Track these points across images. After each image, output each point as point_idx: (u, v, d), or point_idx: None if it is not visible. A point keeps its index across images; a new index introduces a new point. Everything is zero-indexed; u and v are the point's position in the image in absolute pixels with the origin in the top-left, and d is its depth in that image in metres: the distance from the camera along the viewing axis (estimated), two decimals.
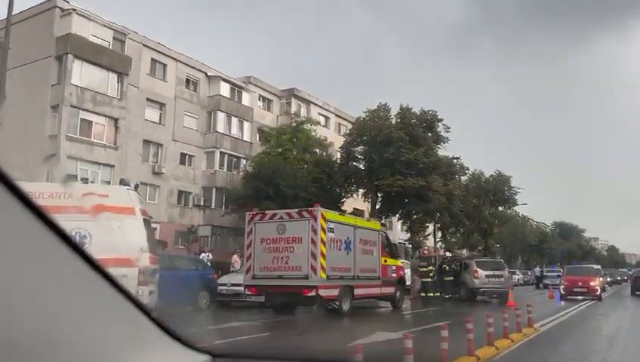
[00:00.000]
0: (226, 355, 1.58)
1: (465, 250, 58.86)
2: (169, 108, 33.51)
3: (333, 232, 12.31)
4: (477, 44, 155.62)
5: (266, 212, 13.43)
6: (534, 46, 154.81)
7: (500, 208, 49.38)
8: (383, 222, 33.96)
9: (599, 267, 30.33)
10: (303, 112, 41.30)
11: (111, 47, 29.57)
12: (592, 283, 22.47)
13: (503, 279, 20.43)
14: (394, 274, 15.89)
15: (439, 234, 43.72)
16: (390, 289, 15.31)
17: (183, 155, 34.32)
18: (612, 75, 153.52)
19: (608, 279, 38.16)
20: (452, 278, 20.37)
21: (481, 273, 20.28)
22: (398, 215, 36.40)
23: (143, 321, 1.20)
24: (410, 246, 42.46)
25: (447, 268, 20.49)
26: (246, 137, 37.64)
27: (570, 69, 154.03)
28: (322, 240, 11.84)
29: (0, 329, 0.83)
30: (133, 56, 30.99)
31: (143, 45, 32.01)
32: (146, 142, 32.11)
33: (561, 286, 23.56)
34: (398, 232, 47.46)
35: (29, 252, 0.89)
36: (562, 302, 20.28)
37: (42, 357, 0.91)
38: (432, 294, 18.84)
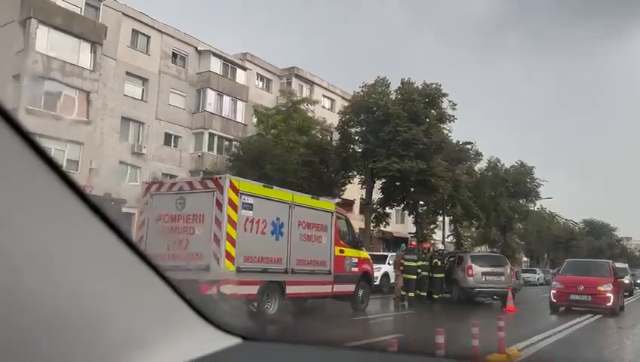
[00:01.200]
0: (258, 339, 1.47)
1: (484, 247, 55.17)
2: (152, 83, 30.86)
3: (251, 209, 9.17)
4: (507, 38, 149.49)
5: (165, 181, 10.54)
6: (568, 39, 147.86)
7: (521, 201, 45.43)
8: (381, 210, 31.08)
9: (625, 265, 26.51)
10: (306, 93, 38.26)
11: (83, 14, 26.97)
12: (600, 288, 14.54)
13: (503, 278, 16.88)
14: (354, 269, 12.56)
15: (450, 228, 40.17)
16: (348, 287, 12.12)
17: (167, 135, 31.65)
18: None
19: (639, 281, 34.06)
20: (442, 275, 17.00)
21: (477, 270, 16.80)
22: (402, 205, 33.02)
23: (176, 301, 1.18)
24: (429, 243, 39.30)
25: (440, 263, 17.09)
26: (239, 118, 34.76)
27: (605, 62, 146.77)
28: (230, 219, 8.72)
29: (34, 303, 0.83)
30: (111, 25, 28.42)
31: (123, 14, 29.40)
32: (125, 120, 29.51)
33: (552, 292, 15.67)
34: (410, 226, 44.01)
35: (62, 226, 0.88)
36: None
37: (75, 333, 0.92)
38: (412, 294, 15.58)
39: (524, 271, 43.28)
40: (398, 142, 23.73)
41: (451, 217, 39.00)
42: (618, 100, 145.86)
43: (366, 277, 13.06)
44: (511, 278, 17.01)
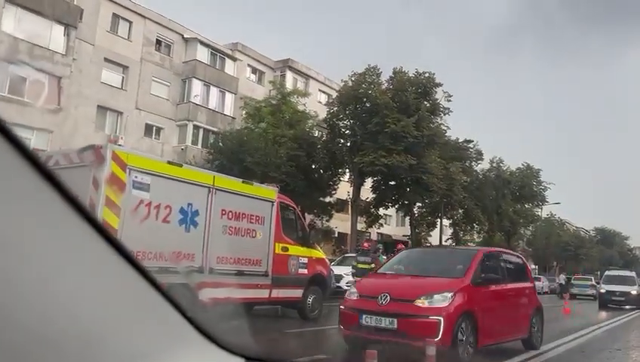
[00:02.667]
0: (260, 358, 1.46)
1: None
2: (133, 71, 29.20)
3: (147, 191, 7.24)
4: (522, 44, 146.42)
5: (40, 152, 8.73)
6: (582, 47, 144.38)
7: (527, 205, 43.18)
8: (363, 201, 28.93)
9: (633, 274, 24.43)
10: (301, 87, 36.40)
11: None
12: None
13: None
14: (303, 271, 10.51)
15: (450, 231, 38.10)
16: (292, 293, 10.08)
17: (148, 126, 29.97)
18: None
19: None
20: None
21: None
22: (397, 206, 31.06)
23: (177, 318, 1.15)
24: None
25: None
26: (228, 111, 32.99)
27: (619, 71, 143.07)
28: (110, 202, 6.67)
29: (29, 321, 0.82)
30: (88, 8, 26.82)
31: None
32: (102, 108, 27.88)
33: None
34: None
35: (53, 236, 0.86)
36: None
37: (72, 352, 0.90)
38: None
39: None
40: (386, 134, 21.79)
41: (451, 220, 37.01)
42: (633, 109, 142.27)
43: (319, 280, 10.97)
44: None
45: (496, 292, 7.71)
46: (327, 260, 11.94)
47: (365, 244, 16.63)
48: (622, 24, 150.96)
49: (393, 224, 49.87)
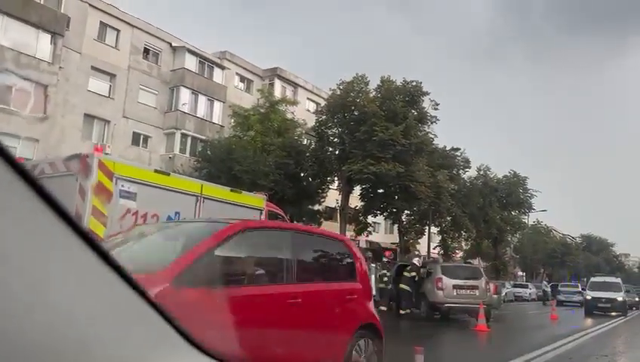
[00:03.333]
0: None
1: (477, 260, 53.14)
2: (120, 79, 29.10)
3: (133, 199, 7.12)
4: (507, 52, 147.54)
5: (25, 161, 8.63)
6: (569, 55, 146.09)
7: (514, 212, 43.51)
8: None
9: (618, 280, 24.65)
10: (289, 95, 36.49)
11: (42, 2, 25.26)
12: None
13: (477, 292, 14.93)
14: None
15: (438, 239, 38.25)
16: None
17: (136, 135, 29.83)
18: None
19: (637, 298, 31.92)
20: (408, 288, 15.04)
21: (447, 282, 14.74)
22: (386, 214, 31.12)
23: (163, 326, 1.15)
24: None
25: (409, 274, 15.14)
26: (216, 119, 32.96)
27: (605, 78, 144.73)
28: (97, 212, 6.57)
29: (19, 330, 0.82)
30: (76, 16, 26.73)
31: (90, 5, 27.69)
32: (89, 117, 27.72)
33: None
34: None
35: (43, 247, 0.87)
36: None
37: (61, 360, 0.90)
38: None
39: (516, 286, 41.30)
40: (374, 142, 21.88)
41: (438, 228, 37.16)
42: (619, 116, 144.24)
43: None
44: (486, 293, 14.99)
45: (246, 299, 4.21)
46: None
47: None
48: (605, 34, 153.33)
49: (382, 232, 49.99)
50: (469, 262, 21.95)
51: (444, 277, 14.79)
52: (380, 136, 21.58)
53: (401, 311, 14.85)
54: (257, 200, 10.16)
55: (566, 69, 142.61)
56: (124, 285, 1.03)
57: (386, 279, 14.54)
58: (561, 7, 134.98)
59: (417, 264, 15.66)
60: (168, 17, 70.79)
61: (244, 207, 9.42)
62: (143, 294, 1.08)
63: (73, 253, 0.92)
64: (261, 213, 9.88)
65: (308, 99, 39.19)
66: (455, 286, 14.72)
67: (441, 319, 15.26)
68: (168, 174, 8.64)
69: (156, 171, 8.48)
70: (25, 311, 0.82)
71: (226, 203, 9.06)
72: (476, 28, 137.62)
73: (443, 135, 65.21)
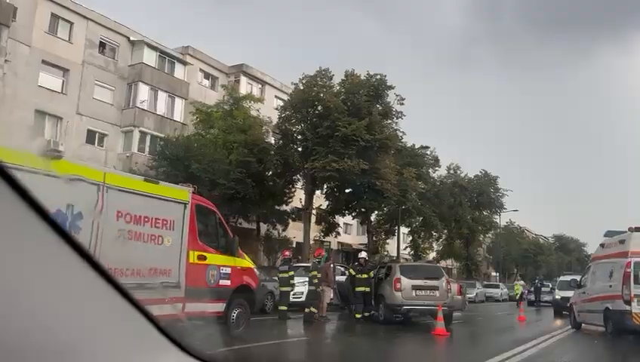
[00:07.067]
0: None
1: (451, 260, 52.69)
2: (74, 75, 27.66)
3: None
4: (481, 58, 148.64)
5: None
6: (539, 57, 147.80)
7: (485, 212, 43.13)
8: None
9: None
10: (256, 93, 35.39)
11: None
12: None
13: (438, 292, 14.05)
14: (225, 282, 9.36)
15: (409, 239, 37.57)
16: (213, 306, 8.83)
17: (91, 133, 28.41)
18: (612, 86, 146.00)
19: None
20: (366, 289, 14.11)
21: (406, 283, 13.67)
22: (354, 214, 30.26)
23: (148, 328, 1.16)
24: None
25: (366, 275, 14.20)
26: (177, 117, 31.69)
27: (572, 79, 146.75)
28: None
29: (6, 335, 0.83)
30: (24, 7, 25.24)
31: None
32: (40, 113, 26.23)
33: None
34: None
35: (32, 254, 0.88)
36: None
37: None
38: (284, 308, 13.29)
39: (487, 286, 40.80)
40: (337, 138, 20.94)
41: (409, 228, 36.48)
42: (587, 117, 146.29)
43: (245, 292, 9.93)
44: (447, 293, 14.11)
45: None
46: (255, 270, 10.82)
47: (286, 253, 15.88)
48: (578, 34, 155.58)
49: (354, 233, 49.17)
50: (431, 262, 21.07)
51: (402, 278, 13.82)
52: (342, 132, 20.67)
53: (357, 315, 13.90)
54: (180, 192, 9.00)
55: (537, 69, 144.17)
56: (108, 287, 1.03)
57: (316, 281, 13.66)
58: (531, 8, 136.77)
59: (366, 257, 14.75)
60: (127, 10, 68.90)
61: (162, 199, 8.30)
62: (126, 295, 1.07)
63: (54, 254, 0.91)
64: (185, 208, 8.75)
65: (276, 97, 38.08)
66: (414, 287, 13.77)
67: (403, 322, 14.33)
68: (60, 159, 7.48)
69: (46, 156, 7.38)
70: (5, 314, 0.81)
71: (139, 194, 7.92)
72: (447, 29, 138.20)
73: (413, 135, 64.84)
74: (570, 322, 15.81)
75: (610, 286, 12.28)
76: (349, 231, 51.07)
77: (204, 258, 8.95)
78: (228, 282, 9.44)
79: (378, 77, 22.95)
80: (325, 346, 10.63)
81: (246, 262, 10.28)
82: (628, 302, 11.26)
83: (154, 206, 8.01)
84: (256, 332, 9.54)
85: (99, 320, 1.01)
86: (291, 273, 14.75)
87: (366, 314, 14.13)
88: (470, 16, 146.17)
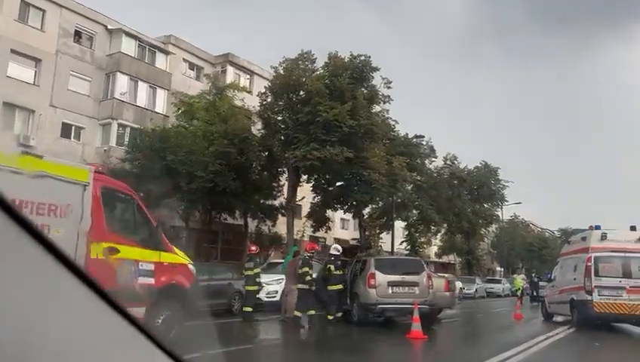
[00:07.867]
0: None
1: (453, 256, 51.09)
2: (47, 65, 26.30)
3: None
4: (483, 50, 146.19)
5: None
6: (543, 52, 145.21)
7: (486, 205, 41.47)
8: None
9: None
10: (244, 83, 33.91)
11: None
12: None
13: (417, 289, 12.51)
14: (147, 280, 7.84)
15: (405, 233, 36.01)
16: (129, 311, 7.47)
17: (66, 126, 27.05)
18: (621, 81, 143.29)
19: None
20: (339, 287, 12.61)
21: (381, 279, 12.13)
22: (345, 207, 28.71)
23: (133, 333, 1.13)
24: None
25: (340, 271, 12.68)
26: (159, 108, 30.28)
27: (579, 74, 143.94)
28: None
29: None
30: None
31: None
32: (10, 106, 24.91)
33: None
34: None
35: (24, 270, 0.87)
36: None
37: None
38: (249, 309, 11.86)
39: (488, 281, 39.16)
40: (318, 124, 19.41)
41: (406, 222, 34.95)
42: (593, 111, 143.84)
43: (175, 292, 8.35)
44: (428, 290, 12.60)
45: None
46: (190, 267, 9.26)
47: (252, 248, 14.37)
48: (583, 27, 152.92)
49: (351, 228, 47.67)
50: (411, 254, 19.49)
51: (377, 273, 12.29)
52: (324, 117, 19.12)
53: (329, 317, 12.41)
54: (76, 171, 7.43)
55: (542, 60, 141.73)
56: (104, 303, 1.01)
57: (308, 278, 12.12)
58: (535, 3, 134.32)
59: (337, 253, 13.15)
60: (130, 4, 67.08)
61: (47, 178, 6.69)
62: (111, 302, 1.04)
63: (45, 269, 0.90)
64: (85, 190, 7.16)
65: (265, 87, 36.57)
66: (390, 284, 12.26)
67: (380, 323, 12.83)
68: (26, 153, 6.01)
69: None
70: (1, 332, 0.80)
71: (12, 172, 6.31)
72: (452, 25, 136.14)
73: (412, 125, 63.09)
74: (542, 313, 17.18)
75: (575, 278, 13.86)
76: (346, 227, 49.55)
77: (116, 251, 7.42)
78: (150, 281, 7.89)
79: (362, 58, 21.33)
80: (272, 355, 9.11)
81: (177, 258, 8.73)
82: (589, 293, 12.86)
83: (36, 187, 6.49)
84: (197, 339, 8.02)
85: (83, 326, 0.97)
86: (257, 270, 13.31)
87: (338, 314, 12.60)
88: (471, 5, 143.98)
